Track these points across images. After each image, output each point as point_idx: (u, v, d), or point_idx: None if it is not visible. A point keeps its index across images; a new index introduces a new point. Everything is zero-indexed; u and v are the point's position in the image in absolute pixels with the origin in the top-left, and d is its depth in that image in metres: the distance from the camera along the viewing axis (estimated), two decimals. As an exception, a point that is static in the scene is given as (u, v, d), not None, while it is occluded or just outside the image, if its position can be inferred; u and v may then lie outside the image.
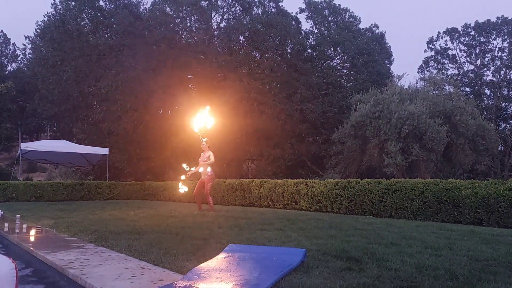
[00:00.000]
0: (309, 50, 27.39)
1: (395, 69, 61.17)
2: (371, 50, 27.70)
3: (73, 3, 25.22)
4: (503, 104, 31.23)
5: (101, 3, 26.11)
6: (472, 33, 33.22)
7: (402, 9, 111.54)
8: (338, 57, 28.39)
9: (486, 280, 2.79)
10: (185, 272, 3.09)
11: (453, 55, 34.19)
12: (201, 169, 8.93)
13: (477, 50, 33.31)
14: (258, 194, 10.86)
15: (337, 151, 21.24)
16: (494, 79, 31.85)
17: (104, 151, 18.17)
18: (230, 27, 25.20)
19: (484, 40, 33.03)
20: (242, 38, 25.76)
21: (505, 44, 32.35)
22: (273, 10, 26.84)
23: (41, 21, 27.21)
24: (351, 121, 18.84)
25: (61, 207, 11.07)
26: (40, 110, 27.10)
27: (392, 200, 7.80)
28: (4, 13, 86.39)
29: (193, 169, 9.09)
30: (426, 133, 16.93)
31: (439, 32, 34.47)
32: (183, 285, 2.73)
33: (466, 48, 33.69)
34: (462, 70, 33.93)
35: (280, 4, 27.19)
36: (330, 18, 28.45)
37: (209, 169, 8.80)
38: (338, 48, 27.21)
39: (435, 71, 33.23)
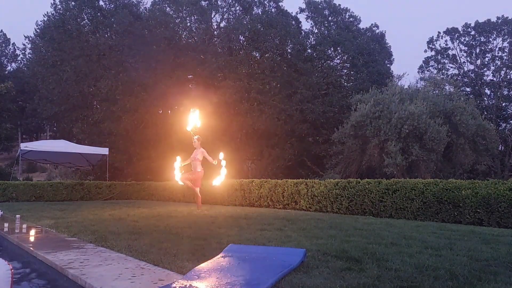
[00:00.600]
0: (309, 50, 27.38)
1: (395, 69, 61.15)
2: (371, 50, 27.70)
3: (73, 3, 25.20)
4: (503, 104, 31.23)
5: (101, 3, 26.09)
6: (472, 33, 33.19)
7: (402, 9, 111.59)
8: (338, 57, 28.39)
9: (486, 280, 2.79)
10: (185, 272, 3.09)
11: (453, 55, 34.17)
12: (199, 169, 9.08)
13: (477, 50, 33.28)
14: (258, 194, 10.86)
15: (337, 151, 21.24)
16: (495, 79, 31.85)
17: (104, 151, 18.16)
18: (230, 27, 25.19)
19: (484, 40, 33.01)
20: (242, 38, 25.74)
21: (505, 44, 32.34)
22: (273, 10, 26.83)
23: (41, 21, 27.23)
24: (351, 121, 18.83)
25: (61, 207, 11.07)
26: (40, 110, 27.08)
27: (392, 200, 7.79)
28: (4, 13, 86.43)
29: (178, 164, 9.40)
30: (426, 133, 16.93)
31: (439, 32, 34.45)
32: (183, 285, 2.73)
33: (466, 48, 33.66)
34: (462, 70, 33.92)
35: (280, 4, 27.19)
36: (330, 18, 28.44)
37: (199, 168, 9.03)
38: (338, 48, 27.20)
39: (435, 71, 33.24)
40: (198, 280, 2.83)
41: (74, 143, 20.87)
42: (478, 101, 27.53)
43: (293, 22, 27.38)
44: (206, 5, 25.94)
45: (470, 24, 33.21)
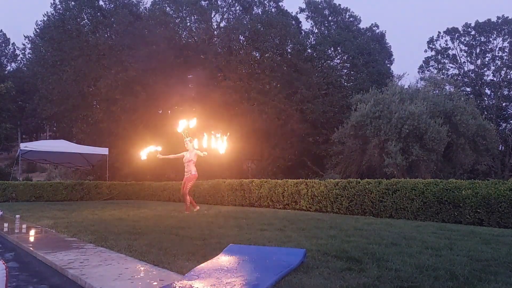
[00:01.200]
0: (309, 50, 27.39)
1: (396, 69, 61.22)
2: (372, 50, 27.70)
3: (72, 2, 25.20)
4: (503, 104, 31.25)
5: (101, 2, 26.09)
6: (473, 33, 33.19)
7: (402, 9, 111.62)
8: (338, 57, 28.40)
9: (486, 280, 2.78)
10: (185, 272, 3.08)
11: (454, 55, 34.17)
12: (194, 171, 9.06)
13: (478, 50, 33.29)
14: (258, 194, 10.85)
15: (337, 151, 21.24)
16: (495, 79, 31.86)
17: (104, 151, 18.14)
18: (230, 27, 25.19)
19: (485, 40, 33.01)
20: (242, 38, 25.74)
21: (505, 44, 32.36)
22: (273, 10, 26.85)
23: (40, 21, 27.21)
24: (351, 121, 18.82)
25: (60, 207, 11.07)
26: (40, 110, 27.07)
27: (392, 200, 7.79)
28: (4, 13, 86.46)
29: (154, 148, 9.44)
30: (427, 133, 16.92)
31: (439, 32, 34.47)
32: (183, 285, 2.72)
33: (466, 48, 33.67)
34: (462, 70, 33.93)
35: (280, 3, 27.22)
36: (330, 18, 28.46)
37: (194, 171, 8.99)
38: (338, 48, 27.22)
39: (435, 71, 33.22)
40: (198, 280, 2.82)
41: (74, 143, 20.87)
42: (478, 101, 27.54)
43: (293, 22, 27.41)
44: (206, 5, 25.95)
45: (470, 24, 33.24)
